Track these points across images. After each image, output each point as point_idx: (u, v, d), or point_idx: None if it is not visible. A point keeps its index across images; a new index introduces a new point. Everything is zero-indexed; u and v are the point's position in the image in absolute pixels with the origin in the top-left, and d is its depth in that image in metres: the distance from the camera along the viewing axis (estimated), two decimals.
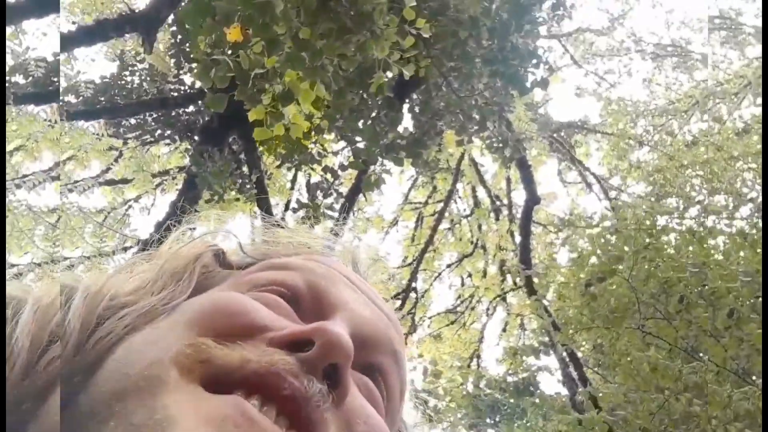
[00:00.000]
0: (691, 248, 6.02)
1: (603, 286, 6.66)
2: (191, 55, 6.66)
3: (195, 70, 3.86)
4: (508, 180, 8.97)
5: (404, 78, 6.10)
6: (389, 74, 4.93)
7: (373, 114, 6.11)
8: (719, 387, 5.19)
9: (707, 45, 8.11)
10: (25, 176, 7.25)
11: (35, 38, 7.53)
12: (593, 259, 7.36)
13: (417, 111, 6.93)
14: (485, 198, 9.22)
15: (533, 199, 8.49)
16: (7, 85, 6.41)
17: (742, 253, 5.65)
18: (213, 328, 0.56)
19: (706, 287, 5.55)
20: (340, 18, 3.64)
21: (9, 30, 6.48)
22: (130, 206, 8.06)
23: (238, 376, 0.53)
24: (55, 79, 7.06)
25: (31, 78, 6.94)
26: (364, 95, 5.79)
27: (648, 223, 6.86)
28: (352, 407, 0.59)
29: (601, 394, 6.95)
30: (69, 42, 6.96)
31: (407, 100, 6.91)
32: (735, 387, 4.89)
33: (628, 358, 6.50)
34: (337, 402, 0.57)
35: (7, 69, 6.58)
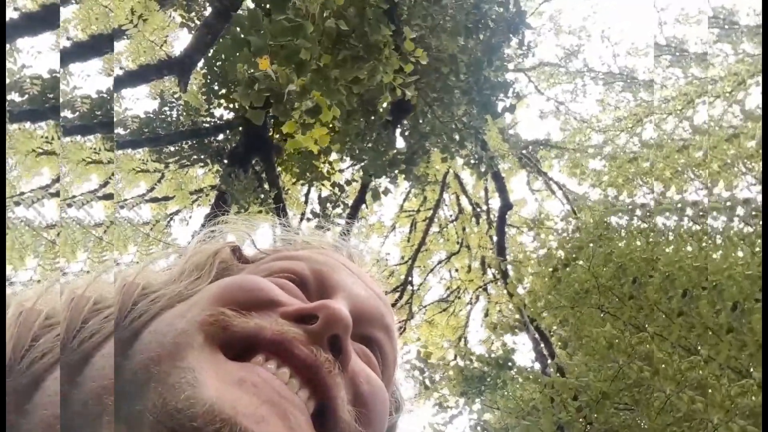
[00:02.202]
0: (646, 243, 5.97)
1: (567, 271, 6.67)
2: (219, 91, 6.79)
3: (237, 92, 3.85)
4: (486, 190, 8.98)
5: (398, 106, 6.29)
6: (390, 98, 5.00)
7: (375, 136, 6.27)
8: (668, 357, 5.12)
9: (651, 71, 8.19)
10: (74, 196, 6.86)
11: (30, 56, 7.05)
12: (559, 252, 7.56)
13: (407, 134, 7.00)
14: (467, 205, 9.25)
15: (506, 205, 8.53)
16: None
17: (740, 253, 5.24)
18: (233, 301, 0.56)
19: (653, 277, 5.45)
20: (354, 48, 3.75)
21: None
22: (171, 219, 8.02)
23: (254, 342, 0.54)
24: (51, 95, 6.36)
25: (27, 96, 6.30)
26: (367, 122, 5.89)
27: (606, 220, 6.99)
28: (354, 371, 0.60)
29: (566, 365, 7.11)
30: (119, 84, 6.93)
31: (399, 125, 7.00)
32: (682, 357, 4.83)
33: (588, 335, 6.59)
34: (342, 367, 0.57)
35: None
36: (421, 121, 6.70)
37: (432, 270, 9.35)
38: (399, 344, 0.75)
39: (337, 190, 7.20)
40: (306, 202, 8.23)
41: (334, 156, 6.68)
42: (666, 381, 4.62)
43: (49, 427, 0.47)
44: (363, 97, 5.02)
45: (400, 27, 5.09)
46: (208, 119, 7.32)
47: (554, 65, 9.06)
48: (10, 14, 5.52)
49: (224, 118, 7.24)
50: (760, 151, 4.89)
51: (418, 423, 7.35)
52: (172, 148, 7.45)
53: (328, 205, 7.26)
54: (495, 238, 8.35)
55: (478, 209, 9.10)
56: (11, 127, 6.59)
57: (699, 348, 4.77)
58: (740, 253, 4.83)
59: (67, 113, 6.68)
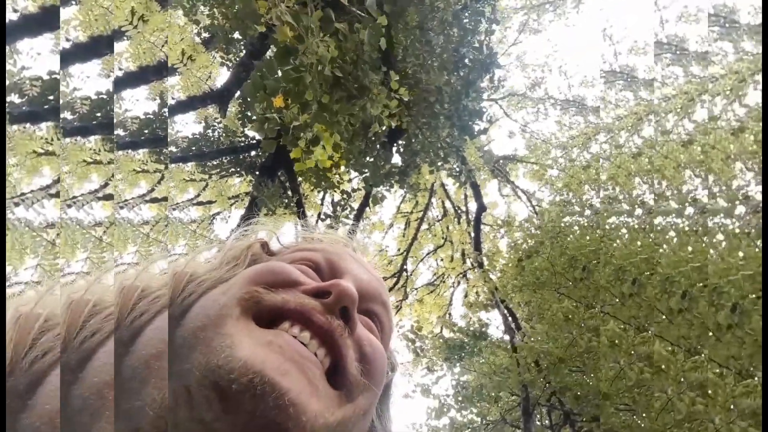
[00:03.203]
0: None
1: (530, 261, 6.60)
2: (252, 117, 6.78)
3: (253, 126, 3.90)
4: (465, 195, 8.95)
5: (393, 129, 6.30)
6: (384, 127, 5.00)
7: (375, 153, 6.27)
8: (618, 330, 4.97)
9: (600, 97, 8.04)
10: (126, 200, 6.61)
11: (29, 58, 5.80)
12: (523, 246, 7.40)
13: (402, 152, 7.02)
14: (450, 208, 9.23)
15: (481, 208, 8.51)
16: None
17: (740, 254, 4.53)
18: (263, 281, 0.57)
19: (608, 266, 5.21)
20: (348, 89, 3.76)
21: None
22: (213, 219, 7.92)
23: (281, 312, 0.55)
24: (51, 97, 5.47)
25: (26, 97, 5.34)
26: (368, 142, 5.89)
27: (564, 219, 6.95)
28: (360, 335, 0.60)
29: (530, 334, 6.99)
30: (172, 111, 6.98)
31: (395, 144, 7.03)
32: (635, 333, 4.60)
33: (548, 309, 6.42)
34: (350, 332, 0.58)
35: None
36: (413, 141, 6.66)
37: (422, 259, 9.32)
38: (395, 319, 0.76)
39: (345, 196, 7.16)
40: (321, 205, 8.19)
41: (342, 169, 6.72)
42: (668, 382, 4.04)
43: (50, 420, 0.45)
44: (363, 123, 5.04)
45: (395, 66, 5.13)
46: (243, 139, 7.29)
47: (520, 94, 9.02)
48: (10, 16, 4.76)
49: (256, 138, 7.12)
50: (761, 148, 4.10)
51: (410, 383, 7.43)
52: (215, 162, 7.43)
53: (338, 208, 7.24)
54: (473, 235, 8.32)
55: (459, 211, 9.09)
56: (10, 129, 5.65)
57: (699, 348, 4.16)
58: (740, 253, 4.12)
59: (66, 114, 5.80)
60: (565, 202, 6.97)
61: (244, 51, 6.85)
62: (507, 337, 7.65)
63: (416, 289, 9.22)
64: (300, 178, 7.05)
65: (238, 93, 7.02)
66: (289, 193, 7.25)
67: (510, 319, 7.63)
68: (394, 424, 0.73)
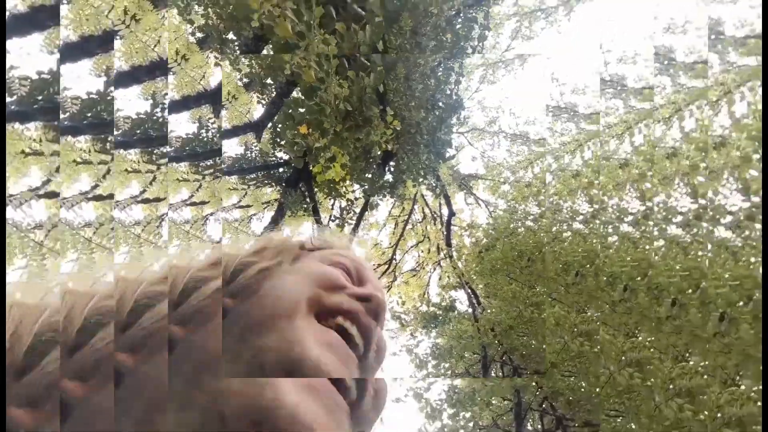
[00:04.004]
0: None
1: (488, 253, 6.76)
2: (281, 142, 6.81)
3: (285, 147, 3.94)
4: (440, 204, 9.00)
5: (386, 154, 6.40)
6: (380, 151, 5.07)
7: (372, 171, 6.39)
8: (549, 308, 5.05)
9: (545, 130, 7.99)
10: (176, 203, 5.86)
11: (18, 57, 4.64)
12: (483, 242, 7.51)
13: (392, 171, 7.16)
14: (429, 213, 9.28)
15: (451, 213, 8.58)
16: None
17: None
18: (323, 285, 0.55)
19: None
20: (356, 120, 3.85)
21: None
22: (251, 218, 7.84)
23: (336, 310, 0.53)
24: (40, 97, 4.16)
25: (15, 96, 4.11)
26: (367, 162, 5.99)
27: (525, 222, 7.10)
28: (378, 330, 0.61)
29: (488, 308, 7.16)
30: (222, 136, 6.78)
31: (387, 165, 7.15)
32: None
33: (500, 290, 6.47)
34: (378, 327, 0.58)
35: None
36: (400, 162, 6.77)
37: (407, 251, 9.30)
38: (387, 297, 0.76)
39: (349, 203, 7.23)
40: (332, 209, 8.13)
41: (348, 183, 6.83)
42: (657, 387, 3.36)
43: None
44: (365, 147, 5.13)
45: (386, 104, 5.23)
46: (273, 159, 7.25)
47: (481, 129, 9.13)
48: None
49: (283, 159, 7.14)
50: (747, 161, 3.27)
51: (397, 345, 7.43)
52: (252, 176, 7.42)
53: (344, 212, 7.30)
54: (445, 233, 8.41)
55: (435, 215, 9.15)
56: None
57: (688, 355, 3.53)
58: (728, 264, 3.46)
59: (60, 114, 4.42)
60: (513, 210, 7.05)
61: (275, 92, 6.84)
62: (470, 310, 7.75)
63: (402, 273, 9.20)
64: (316, 189, 7.22)
65: (270, 124, 7.19)
66: (307, 200, 7.11)
67: (473, 296, 7.69)
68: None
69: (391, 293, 8.60)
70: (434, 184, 7.77)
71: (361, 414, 0.47)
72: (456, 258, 8.06)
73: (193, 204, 6.89)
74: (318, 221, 7.05)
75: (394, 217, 9.36)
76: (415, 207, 9.17)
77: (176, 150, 5.86)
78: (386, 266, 8.51)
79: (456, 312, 7.81)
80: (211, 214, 7.07)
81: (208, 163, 6.73)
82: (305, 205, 7.09)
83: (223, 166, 6.71)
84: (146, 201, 5.53)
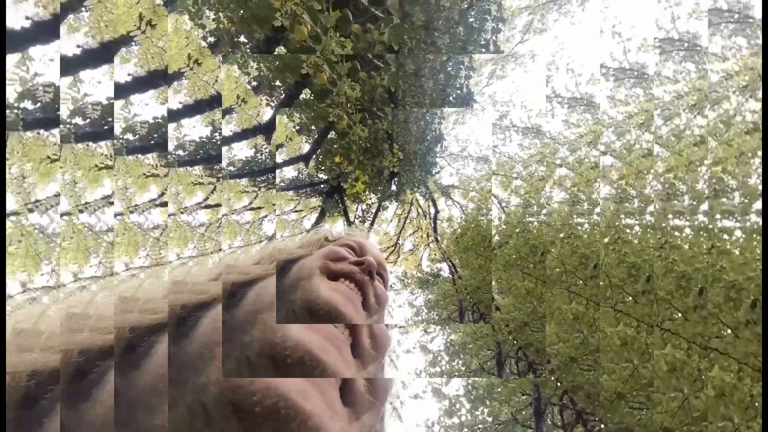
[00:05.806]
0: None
1: (462, 238, 8.29)
2: (322, 167, 7.73)
3: (325, 171, 4.74)
4: (429, 205, 10.83)
5: (392, 173, 7.08)
6: (388, 173, 5.69)
7: (383, 185, 7.45)
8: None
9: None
10: (233, 209, 6.16)
11: (42, 64, 4.31)
12: (458, 231, 9.11)
13: (396, 184, 8.32)
14: (421, 211, 11.21)
15: (436, 212, 10.40)
16: (16, 111, 3.65)
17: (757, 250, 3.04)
18: (330, 257, 0.61)
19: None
20: (372, 152, 4.47)
21: (16, 57, 3.62)
22: (301, 219, 10.14)
23: (340, 273, 0.60)
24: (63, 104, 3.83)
25: (39, 104, 3.85)
26: (380, 180, 6.74)
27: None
28: (376, 284, 0.68)
29: (464, 275, 8.43)
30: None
31: (393, 180, 8.29)
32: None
33: (468, 265, 7.82)
34: (372, 281, 0.66)
35: (14, 95, 3.66)
36: (402, 178, 7.93)
37: (407, 237, 11.22)
38: (392, 268, 0.80)
39: (368, 207, 8.84)
40: (356, 211, 9.86)
41: (367, 193, 7.89)
42: (683, 380, 2.85)
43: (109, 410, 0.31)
44: (378, 170, 5.78)
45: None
46: (318, 179, 8.97)
47: (455, 155, 10.95)
48: (22, 23, 3.59)
49: (324, 179, 8.80)
50: None
51: (401, 299, 9.30)
52: (303, 191, 9.35)
53: (365, 213, 9.01)
54: (432, 225, 10.34)
55: (425, 213, 11.01)
56: (25, 135, 4.08)
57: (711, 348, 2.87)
58: (758, 250, 2.83)
59: (78, 120, 4.29)
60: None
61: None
62: (450, 276, 9.51)
63: (404, 252, 11.37)
64: (346, 198, 8.40)
65: (313, 155, 8.10)
66: (340, 206, 9.03)
67: (451, 267, 9.40)
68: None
69: (396, 266, 10.93)
70: (425, 192, 9.49)
71: (364, 351, 0.50)
72: (440, 241, 10.12)
73: (252, 209, 7.92)
74: (347, 220, 8.87)
75: (398, 215, 11.48)
76: (412, 208, 11.37)
77: (237, 168, 6.08)
78: (392, 248, 11.05)
79: (440, 277, 9.78)
80: (265, 217, 7.71)
81: (303, 190, 8.01)
82: (339, 210, 9.16)
83: (281, 183, 8.25)
84: (208, 206, 5.73)
